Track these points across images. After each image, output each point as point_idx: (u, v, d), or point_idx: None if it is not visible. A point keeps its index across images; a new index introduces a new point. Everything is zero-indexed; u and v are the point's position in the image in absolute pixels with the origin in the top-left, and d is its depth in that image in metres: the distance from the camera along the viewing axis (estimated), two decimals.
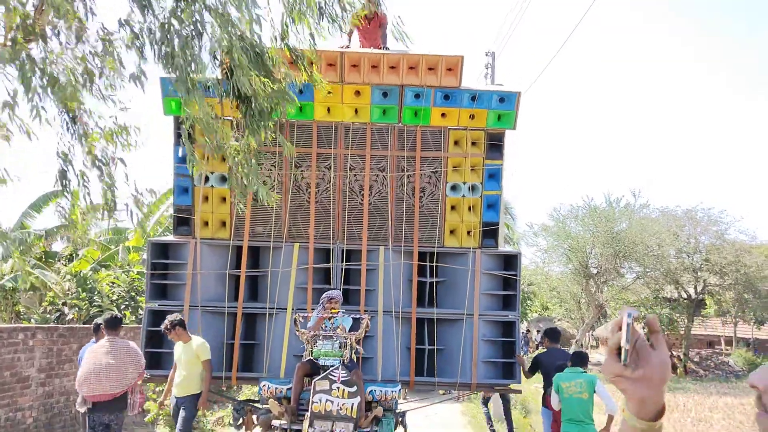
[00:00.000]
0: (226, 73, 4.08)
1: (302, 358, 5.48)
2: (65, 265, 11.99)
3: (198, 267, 6.06)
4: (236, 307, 6.08)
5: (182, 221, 6.27)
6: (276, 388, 5.40)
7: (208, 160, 5.84)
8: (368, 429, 4.95)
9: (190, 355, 5.67)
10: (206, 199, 6.22)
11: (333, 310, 5.35)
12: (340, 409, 4.64)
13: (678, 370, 24.19)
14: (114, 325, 5.73)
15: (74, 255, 12.51)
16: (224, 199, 6.26)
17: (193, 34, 3.75)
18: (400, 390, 5.54)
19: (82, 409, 5.47)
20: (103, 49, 3.79)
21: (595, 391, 5.28)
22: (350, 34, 6.59)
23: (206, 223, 6.28)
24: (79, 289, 10.61)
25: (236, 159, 4.44)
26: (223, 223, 6.32)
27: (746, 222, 64.81)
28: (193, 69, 3.74)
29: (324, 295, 5.41)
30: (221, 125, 4.44)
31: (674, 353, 25.54)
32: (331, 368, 4.82)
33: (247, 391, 9.61)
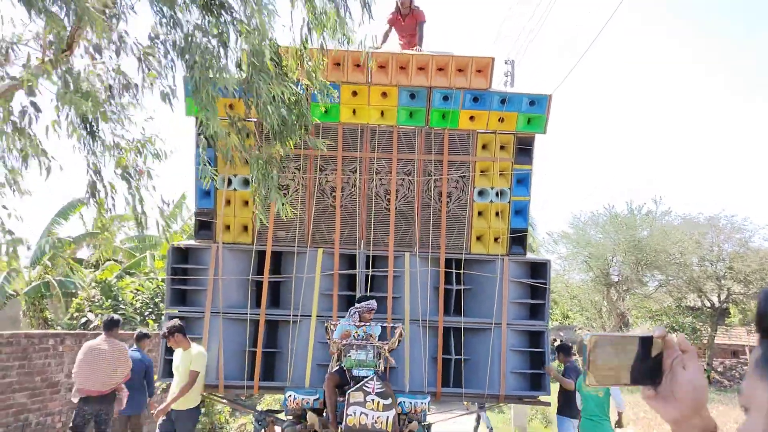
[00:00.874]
0: (247, 79, 4.12)
1: (329, 367, 5.32)
2: (92, 272, 12.13)
3: (220, 272, 5.94)
4: (258, 314, 5.93)
5: (203, 225, 6.16)
6: (303, 399, 5.24)
7: (231, 162, 5.72)
8: None
9: (186, 363, 5.45)
10: (228, 202, 6.10)
11: (368, 319, 5.20)
12: (375, 422, 4.45)
13: None
14: (110, 326, 6.18)
15: (99, 262, 12.69)
16: (246, 202, 6.14)
17: (218, 45, 3.82)
18: (429, 402, 5.35)
19: (75, 399, 6.03)
20: (139, 64, 3.87)
21: (609, 391, 5.81)
22: (386, 34, 6.45)
23: (228, 227, 6.16)
24: (104, 297, 10.78)
25: (257, 171, 4.49)
26: (245, 228, 6.20)
27: None
28: (212, 76, 3.77)
29: (362, 305, 5.25)
30: (241, 135, 4.53)
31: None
32: (365, 379, 4.62)
33: (266, 401, 9.47)
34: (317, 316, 5.84)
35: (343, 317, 5.56)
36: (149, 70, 3.90)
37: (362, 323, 5.14)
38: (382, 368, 4.96)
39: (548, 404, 6.25)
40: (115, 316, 6.46)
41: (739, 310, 25.56)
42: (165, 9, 3.68)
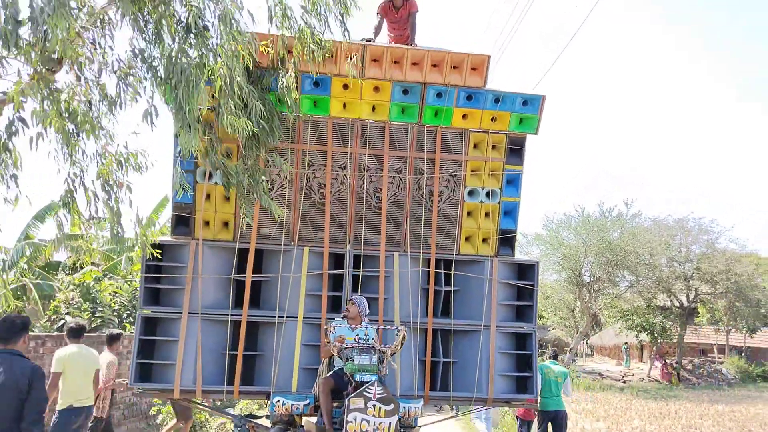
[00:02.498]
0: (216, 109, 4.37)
1: (319, 371, 5.10)
2: (69, 275, 11.95)
3: (199, 270, 5.65)
4: (240, 315, 5.67)
5: (181, 220, 5.85)
6: (292, 404, 5.00)
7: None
8: None
9: None
10: (208, 197, 5.81)
11: (354, 320, 4.98)
12: (377, 428, 4.25)
13: (673, 379, 24.24)
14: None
15: (77, 265, 12.51)
16: (228, 197, 5.86)
17: (197, 67, 3.97)
18: (421, 406, 5.19)
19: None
20: (118, 81, 4.02)
21: (564, 380, 7.81)
22: (379, 26, 6.22)
23: (207, 223, 5.87)
24: (82, 299, 10.71)
25: (246, 177, 4.67)
26: (226, 224, 5.92)
27: (736, 231, 65.75)
28: (192, 105, 3.94)
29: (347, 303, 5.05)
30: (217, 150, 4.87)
31: (668, 361, 25.61)
32: (365, 384, 4.41)
33: (242, 404, 9.18)
34: (304, 318, 5.62)
35: (332, 319, 5.35)
36: (128, 88, 4.02)
37: (354, 325, 4.93)
38: (385, 373, 4.75)
39: (535, 406, 6.18)
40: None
41: (707, 309, 26.31)
42: (149, 28, 3.85)
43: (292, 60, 4.98)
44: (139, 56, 4.00)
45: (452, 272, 6.00)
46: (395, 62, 5.61)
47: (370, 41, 5.85)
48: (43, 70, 3.63)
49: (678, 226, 25.57)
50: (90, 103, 3.93)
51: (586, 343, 35.40)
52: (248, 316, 5.69)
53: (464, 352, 5.91)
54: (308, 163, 5.83)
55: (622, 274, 25.29)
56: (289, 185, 5.82)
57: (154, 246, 5.61)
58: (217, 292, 5.79)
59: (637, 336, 25.67)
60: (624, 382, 24.17)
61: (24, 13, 3.35)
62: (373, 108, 5.80)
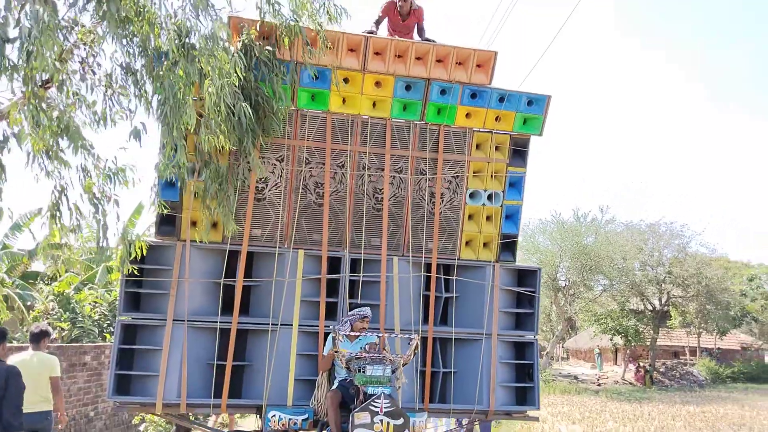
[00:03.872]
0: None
1: (318, 383, 4.75)
2: (48, 285, 11.89)
3: (186, 274, 5.24)
4: (229, 322, 5.28)
5: (166, 220, 5.43)
6: (290, 419, 4.66)
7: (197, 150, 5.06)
8: None
9: None
10: (196, 195, 5.41)
11: (361, 329, 4.66)
12: None
13: (646, 381, 24.61)
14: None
15: (55, 275, 12.40)
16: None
17: (184, 85, 4.03)
18: (426, 420, 4.90)
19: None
20: (104, 98, 4.13)
21: None
22: (378, 22, 5.89)
23: (194, 223, 5.47)
24: (61, 310, 10.67)
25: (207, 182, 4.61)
26: (214, 224, 5.53)
27: (706, 235, 67.70)
28: (179, 123, 4.05)
29: (353, 312, 4.70)
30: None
31: (641, 364, 26.01)
32: (372, 398, 4.08)
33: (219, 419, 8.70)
34: (299, 326, 5.27)
35: (328, 327, 5.04)
36: (116, 105, 4.14)
37: (354, 333, 4.60)
38: (399, 385, 4.41)
39: (537, 419, 5.98)
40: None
41: (679, 312, 26.87)
42: (134, 43, 3.94)
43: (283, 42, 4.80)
44: (127, 72, 4.12)
45: (452, 278, 5.75)
46: (399, 56, 5.34)
47: (372, 33, 5.56)
48: (35, 88, 3.71)
49: (650, 231, 26.08)
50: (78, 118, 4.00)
51: (562, 346, 35.82)
52: (239, 323, 5.31)
53: (464, 361, 5.66)
54: (305, 161, 5.50)
55: (597, 278, 25.64)
56: (284, 184, 5.48)
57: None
58: (205, 297, 5.39)
59: (611, 339, 26.03)
60: (599, 385, 24.43)
61: (12, 33, 3.43)
62: (374, 104, 5.51)
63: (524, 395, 5.83)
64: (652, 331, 26.02)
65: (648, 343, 26.21)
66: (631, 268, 25.24)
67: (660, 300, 26.13)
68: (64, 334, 10.57)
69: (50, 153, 3.84)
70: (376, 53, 5.31)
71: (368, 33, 5.50)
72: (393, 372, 4.29)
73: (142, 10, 3.79)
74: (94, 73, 4.07)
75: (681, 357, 30.00)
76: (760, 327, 29.00)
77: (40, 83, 3.74)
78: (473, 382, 5.54)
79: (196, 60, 4.01)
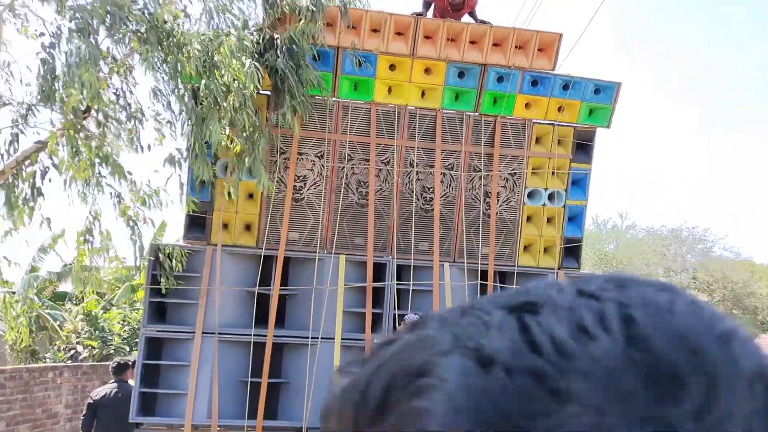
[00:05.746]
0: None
1: None
2: (76, 305, 12.36)
3: (217, 282, 4.73)
4: (264, 336, 4.75)
5: (195, 222, 4.94)
6: None
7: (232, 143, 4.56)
8: None
9: None
10: (229, 195, 4.91)
11: None
12: None
13: None
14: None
15: (84, 296, 12.74)
16: (251, 195, 4.97)
17: (209, 105, 4.17)
18: None
19: None
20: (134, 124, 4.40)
21: None
22: (427, 5, 5.23)
23: (225, 226, 4.97)
24: (92, 329, 11.17)
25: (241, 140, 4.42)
26: (248, 227, 5.02)
27: (730, 239, 66.68)
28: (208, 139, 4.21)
29: (406, 317, 4.15)
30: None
31: None
32: None
33: None
34: (342, 339, 4.73)
35: (374, 341, 4.47)
36: (153, 131, 4.51)
37: None
38: None
39: None
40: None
41: None
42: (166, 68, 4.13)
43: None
44: (160, 98, 4.34)
45: (511, 287, 5.18)
46: (451, 40, 4.81)
47: (420, 15, 5.03)
48: (73, 119, 4.01)
49: (672, 236, 25.55)
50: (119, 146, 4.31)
51: None
52: (274, 336, 4.78)
53: None
54: (347, 157, 4.97)
55: None
56: (324, 183, 4.95)
57: (162, 251, 4.70)
58: (237, 308, 4.88)
59: None
60: None
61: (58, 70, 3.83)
62: (423, 93, 4.98)
63: None
64: None
65: None
66: (655, 275, 24.66)
67: None
68: (95, 352, 11.02)
69: (88, 181, 4.11)
70: (427, 37, 4.80)
71: (417, 14, 4.97)
72: None
73: (171, 34, 4.01)
74: (129, 105, 4.37)
75: None
76: None
77: (79, 112, 4.03)
78: None
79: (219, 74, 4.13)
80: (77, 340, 11.20)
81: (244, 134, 4.31)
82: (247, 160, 4.39)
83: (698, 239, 25.13)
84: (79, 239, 4.51)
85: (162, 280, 4.49)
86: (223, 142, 4.31)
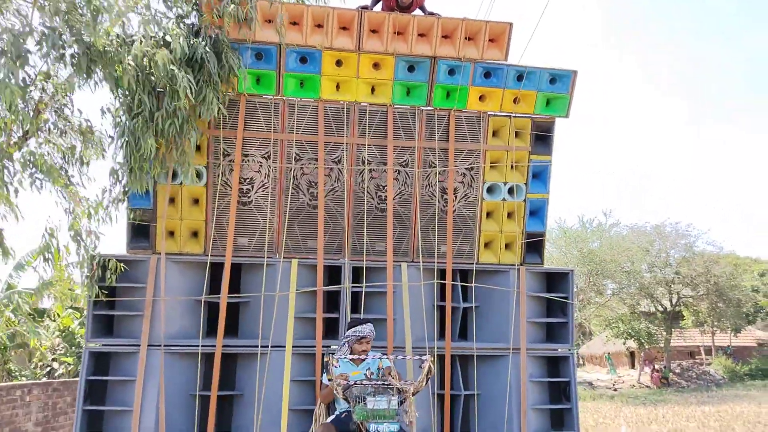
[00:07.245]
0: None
1: (315, 415, 3.97)
2: (53, 321, 12.28)
3: (162, 291, 4.50)
4: (213, 346, 4.53)
5: (138, 231, 4.71)
6: None
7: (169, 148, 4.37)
8: None
9: None
10: (172, 201, 4.70)
11: (363, 352, 3.86)
12: None
13: (660, 381, 24.09)
14: None
15: (59, 313, 12.75)
16: (197, 200, 4.76)
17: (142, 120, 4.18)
18: None
19: None
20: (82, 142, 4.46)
21: None
22: (374, 2, 5.10)
23: (171, 233, 4.75)
24: (67, 345, 11.17)
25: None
26: (194, 233, 4.80)
27: (713, 234, 67.18)
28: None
29: (348, 333, 3.91)
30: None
31: (656, 366, 25.36)
32: None
33: None
34: (293, 347, 4.52)
35: (331, 350, 4.28)
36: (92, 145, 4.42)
37: (360, 357, 3.80)
38: (408, 421, 3.54)
39: None
40: None
41: (691, 312, 26.34)
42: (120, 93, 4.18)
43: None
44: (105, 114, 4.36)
45: (471, 285, 5.01)
46: (399, 33, 4.65)
47: (366, 8, 4.87)
48: (11, 141, 4.10)
49: (656, 232, 25.79)
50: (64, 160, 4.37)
51: (576, 353, 35.14)
52: (223, 346, 4.56)
53: (488, 382, 4.91)
54: (295, 157, 4.78)
55: (604, 283, 25.24)
56: (272, 184, 4.76)
57: (103, 263, 4.47)
58: (185, 318, 4.66)
59: (624, 343, 25.41)
60: (615, 390, 23.80)
61: None
62: (373, 89, 4.81)
63: (561, 418, 5.06)
64: (664, 333, 25.47)
65: (662, 345, 25.63)
66: (639, 271, 24.82)
67: (670, 301, 25.64)
68: (71, 368, 10.89)
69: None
70: (373, 30, 4.63)
71: (362, 8, 4.80)
72: (401, 404, 3.42)
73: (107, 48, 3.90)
74: (68, 120, 4.38)
75: (697, 357, 29.36)
76: None
77: (18, 136, 4.12)
78: (500, 405, 4.78)
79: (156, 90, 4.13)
80: (52, 357, 11.12)
81: (174, 134, 4.11)
82: (175, 153, 4.26)
83: (681, 234, 25.37)
84: (36, 257, 4.70)
85: (93, 291, 4.36)
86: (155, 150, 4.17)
